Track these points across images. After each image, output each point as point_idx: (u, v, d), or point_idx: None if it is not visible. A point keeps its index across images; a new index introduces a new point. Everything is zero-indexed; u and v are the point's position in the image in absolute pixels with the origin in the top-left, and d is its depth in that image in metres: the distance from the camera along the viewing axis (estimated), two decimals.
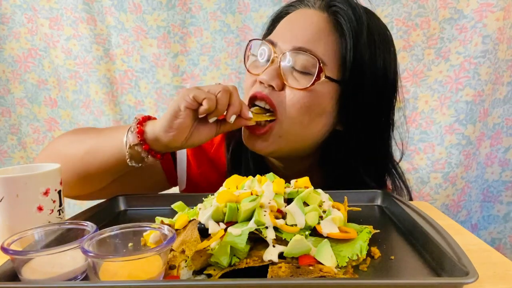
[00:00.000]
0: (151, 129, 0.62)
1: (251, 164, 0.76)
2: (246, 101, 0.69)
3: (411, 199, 0.81)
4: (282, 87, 0.66)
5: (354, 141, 0.70)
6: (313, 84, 0.63)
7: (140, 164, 0.66)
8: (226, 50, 1.21)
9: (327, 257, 0.44)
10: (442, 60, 1.12)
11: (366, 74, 0.66)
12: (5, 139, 1.29)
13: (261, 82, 0.66)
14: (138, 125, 0.63)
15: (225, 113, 0.63)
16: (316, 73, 0.63)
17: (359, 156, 0.71)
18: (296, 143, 0.69)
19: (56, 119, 1.29)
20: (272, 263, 0.43)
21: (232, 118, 0.62)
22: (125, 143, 0.63)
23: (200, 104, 0.59)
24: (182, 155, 0.81)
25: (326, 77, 0.64)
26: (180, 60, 1.21)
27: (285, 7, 0.73)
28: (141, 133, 0.62)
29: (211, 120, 0.62)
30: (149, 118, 0.65)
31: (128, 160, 0.64)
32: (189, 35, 1.20)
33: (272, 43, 0.67)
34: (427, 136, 1.16)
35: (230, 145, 0.78)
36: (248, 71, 0.70)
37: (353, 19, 0.66)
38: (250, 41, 0.72)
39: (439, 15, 1.10)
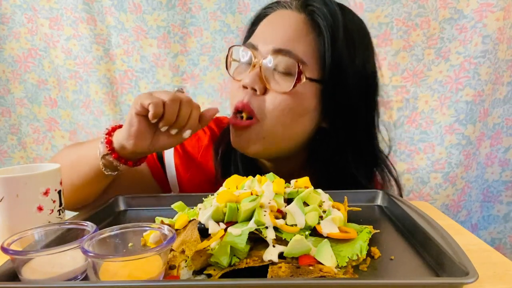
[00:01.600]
0: (116, 138, 0.65)
1: (240, 166, 0.76)
2: (232, 108, 0.69)
3: (400, 194, 0.81)
4: (265, 91, 0.66)
5: (340, 137, 0.70)
6: (294, 86, 0.64)
7: (116, 172, 0.68)
8: (226, 50, 1.20)
9: (327, 257, 0.44)
10: (442, 60, 1.12)
11: (346, 71, 0.66)
12: (5, 139, 1.29)
13: (244, 87, 0.67)
14: (107, 136, 0.65)
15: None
16: (296, 75, 0.64)
17: (346, 152, 0.71)
18: (281, 143, 0.69)
19: (56, 119, 1.29)
20: (272, 263, 0.43)
21: (186, 134, 0.62)
22: (98, 153, 0.66)
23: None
24: (170, 161, 0.82)
25: (307, 78, 0.65)
26: (180, 60, 1.21)
27: (263, 9, 0.74)
28: (109, 143, 0.65)
29: (163, 129, 0.62)
30: (119, 127, 0.67)
31: (103, 169, 0.66)
32: (189, 35, 1.20)
33: (252, 46, 0.68)
34: (427, 136, 1.16)
35: (219, 148, 0.78)
36: (232, 78, 0.71)
37: (329, 17, 0.66)
38: (230, 47, 0.73)
39: (439, 15, 1.10)
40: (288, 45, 0.65)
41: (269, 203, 0.49)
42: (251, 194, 0.51)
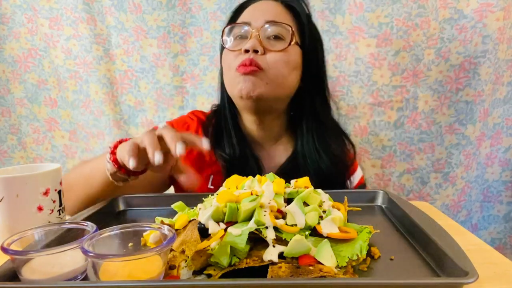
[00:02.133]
0: (119, 156, 0.68)
1: (233, 133, 0.89)
2: (233, 75, 0.81)
3: (354, 151, 0.95)
4: (264, 52, 0.80)
5: (311, 96, 0.89)
6: (289, 44, 0.81)
7: (127, 181, 0.72)
8: None
9: (327, 257, 0.44)
10: (442, 60, 1.12)
11: (316, 42, 0.89)
12: (5, 139, 1.29)
13: (246, 51, 0.80)
14: (111, 154, 0.68)
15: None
16: (290, 38, 0.81)
17: (317, 114, 0.89)
18: (279, 90, 0.83)
19: (56, 119, 1.29)
20: (272, 263, 0.43)
21: (157, 158, 0.59)
22: (107, 171, 0.70)
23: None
24: None
25: (296, 42, 0.83)
26: (180, 60, 1.21)
27: (242, 3, 0.89)
28: (115, 160, 0.68)
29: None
30: (120, 142, 0.70)
31: (115, 183, 0.71)
32: (189, 35, 1.20)
33: (245, 23, 0.83)
34: (427, 136, 1.16)
35: (209, 126, 0.91)
36: (228, 50, 0.84)
37: (301, 4, 0.88)
38: (224, 28, 0.85)
39: (439, 15, 1.10)
40: (278, 18, 0.82)
41: (269, 203, 0.49)
42: (251, 194, 0.51)
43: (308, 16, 0.88)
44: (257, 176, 0.59)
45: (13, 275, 0.44)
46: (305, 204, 0.52)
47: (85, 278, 0.46)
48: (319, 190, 0.58)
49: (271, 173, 0.61)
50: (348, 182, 0.94)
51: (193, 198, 0.67)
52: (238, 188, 0.56)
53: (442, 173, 1.17)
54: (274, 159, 0.91)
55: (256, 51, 0.80)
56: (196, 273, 0.44)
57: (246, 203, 0.48)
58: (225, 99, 0.91)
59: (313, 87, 0.89)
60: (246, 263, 0.43)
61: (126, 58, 1.22)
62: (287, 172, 0.84)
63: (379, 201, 0.72)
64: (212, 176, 0.89)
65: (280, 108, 0.89)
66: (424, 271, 0.45)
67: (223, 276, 0.42)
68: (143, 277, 0.41)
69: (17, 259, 0.43)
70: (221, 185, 0.78)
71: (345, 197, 0.61)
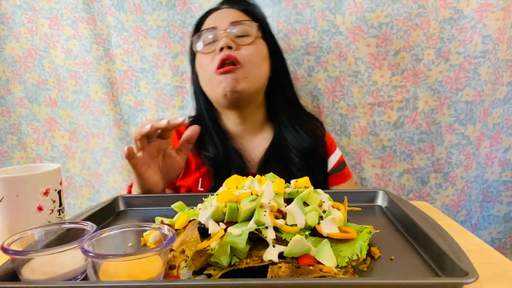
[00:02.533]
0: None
1: (213, 131, 0.95)
2: (212, 77, 0.89)
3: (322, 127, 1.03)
4: (238, 47, 0.88)
5: (280, 85, 0.98)
6: (256, 37, 0.90)
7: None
8: None
9: (327, 257, 0.44)
10: (442, 60, 1.12)
11: (273, 36, 0.99)
12: (5, 139, 1.29)
13: (221, 49, 0.86)
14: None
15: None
16: (255, 33, 0.90)
17: (288, 100, 0.99)
18: (257, 82, 0.91)
19: (56, 119, 1.29)
20: (272, 263, 0.43)
21: (163, 122, 0.76)
22: None
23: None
24: None
25: (261, 36, 0.93)
26: (180, 60, 1.21)
27: (204, 14, 0.98)
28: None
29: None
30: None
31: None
32: (189, 35, 1.20)
33: (212, 27, 0.91)
34: (427, 136, 1.16)
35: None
36: (203, 53, 0.91)
37: (255, 6, 0.98)
38: (192, 37, 0.94)
39: (439, 15, 1.10)
40: (242, 18, 0.91)
41: (269, 203, 0.49)
42: (251, 194, 0.51)
43: (260, 11, 0.98)
44: (257, 176, 0.59)
45: (13, 275, 0.44)
46: (305, 204, 0.52)
47: (85, 278, 0.46)
48: (319, 190, 0.58)
49: (271, 173, 0.61)
50: (329, 161, 1.00)
51: (193, 198, 0.67)
52: (238, 188, 0.56)
53: (442, 173, 1.17)
54: (259, 148, 0.97)
55: (230, 47, 0.86)
56: (196, 273, 0.44)
57: (246, 203, 0.48)
58: (202, 104, 0.99)
59: (281, 75, 0.98)
60: (246, 263, 0.43)
61: (126, 58, 1.22)
62: (272, 158, 0.93)
63: (379, 201, 0.72)
64: (200, 179, 0.94)
65: (258, 100, 0.96)
66: (424, 271, 0.45)
67: (223, 276, 0.43)
68: (143, 277, 0.41)
69: (17, 259, 0.43)
70: (210, 186, 0.91)
71: (345, 197, 0.61)
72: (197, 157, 0.95)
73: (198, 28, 0.97)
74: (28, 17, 1.22)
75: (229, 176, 0.84)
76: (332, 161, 1.01)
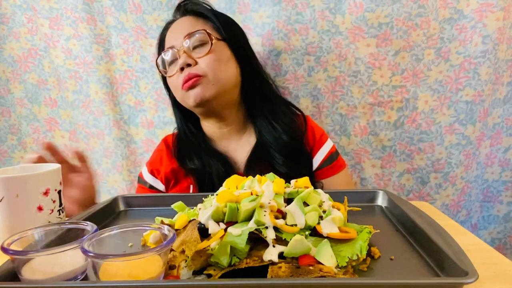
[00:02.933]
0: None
1: (192, 150, 0.96)
2: (182, 94, 0.91)
3: (303, 116, 1.03)
4: (196, 62, 0.89)
5: (251, 80, 0.97)
6: (211, 45, 0.89)
7: None
8: None
9: (327, 257, 0.44)
10: (442, 60, 1.12)
11: (233, 31, 0.96)
12: (5, 139, 1.29)
13: (181, 69, 0.88)
14: None
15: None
16: (209, 39, 0.89)
17: (263, 96, 0.98)
18: (225, 85, 0.90)
19: (56, 119, 1.29)
20: (272, 263, 0.43)
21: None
22: None
23: None
24: (156, 182, 0.99)
25: (216, 38, 0.91)
26: None
27: (163, 31, 0.99)
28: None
29: None
30: None
31: None
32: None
33: (170, 47, 0.92)
34: (427, 136, 1.16)
35: (177, 147, 1.00)
36: (170, 76, 0.93)
37: (203, 5, 0.97)
38: (156, 61, 0.96)
39: (439, 15, 1.10)
40: (193, 29, 0.91)
41: (269, 203, 0.49)
42: (251, 194, 0.51)
43: (214, 12, 0.97)
44: (257, 176, 0.59)
45: (13, 275, 0.44)
46: (305, 204, 0.52)
47: (85, 278, 0.46)
48: (319, 190, 0.58)
49: (271, 173, 0.61)
50: (319, 154, 0.99)
51: (193, 198, 0.67)
52: (238, 188, 0.56)
53: (442, 173, 1.17)
54: (246, 148, 0.97)
55: (189, 65, 0.88)
56: (196, 273, 0.44)
57: (246, 203, 0.48)
58: (181, 119, 1.02)
59: (250, 70, 0.97)
60: (246, 263, 0.43)
61: (126, 58, 1.22)
62: (256, 157, 0.94)
63: (379, 201, 0.72)
64: (192, 186, 0.95)
65: (232, 100, 0.96)
66: (424, 271, 0.45)
67: (223, 276, 0.43)
68: (143, 277, 0.41)
69: (17, 259, 0.43)
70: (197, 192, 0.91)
71: (345, 197, 0.61)
72: (181, 167, 0.97)
73: (159, 46, 0.99)
74: (28, 17, 1.22)
75: (212, 181, 0.86)
76: (322, 153, 0.99)
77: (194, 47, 0.90)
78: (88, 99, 1.23)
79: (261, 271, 0.42)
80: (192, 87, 0.88)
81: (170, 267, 0.44)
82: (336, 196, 0.60)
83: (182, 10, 0.98)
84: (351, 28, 1.12)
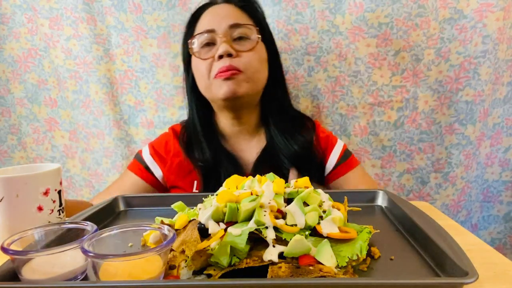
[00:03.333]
0: None
1: (203, 141, 0.94)
2: (212, 81, 0.87)
3: (313, 123, 1.02)
4: (237, 54, 0.86)
5: (274, 87, 0.96)
6: (257, 43, 0.89)
7: None
8: None
9: (327, 257, 0.44)
10: (442, 60, 1.12)
11: (271, 36, 0.97)
12: (5, 139, 1.29)
13: (220, 57, 0.85)
14: None
15: None
16: (255, 36, 0.89)
17: (280, 105, 0.98)
18: (257, 86, 0.91)
19: (56, 119, 1.29)
20: (272, 263, 0.43)
21: None
22: None
23: None
24: (154, 166, 0.98)
25: (261, 39, 0.90)
26: (180, 60, 1.21)
27: (198, 10, 0.95)
28: None
29: None
30: None
31: None
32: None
33: (209, 30, 0.88)
34: (427, 136, 1.16)
35: (184, 136, 0.98)
36: (201, 58, 0.89)
37: (253, 5, 0.95)
38: (189, 40, 0.91)
39: (439, 15, 1.10)
40: (239, 20, 0.89)
41: (269, 203, 0.49)
42: (251, 194, 0.51)
43: (260, 12, 0.96)
44: (257, 176, 0.59)
45: (13, 275, 0.44)
46: (305, 204, 0.52)
47: (85, 278, 0.46)
48: (319, 190, 0.58)
49: (271, 173, 0.61)
50: (332, 155, 0.99)
51: (193, 198, 0.67)
52: (238, 188, 0.56)
53: (442, 173, 1.17)
54: (255, 150, 0.96)
55: (230, 55, 0.85)
56: (196, 273, 0.44)
57: (246, 203, 0.48)
58: (194, 105, 0.98)
59: (276, 77, 0.97)
60: (246, 263, 0.43)
61: (126, 58, 1.22)
62: (265, 161, 0.93)
63: (379, 201, 0.72)
64: (196, 182, 0.94)
65: (254, 101, 0.96)
66: (424, 271, 0.45)
67: (223, 276, 0.43)
68: (143, 277, 0.41)
69: (17, 259, 0.43)
70: (201, 190, 0.92)
71: (345, 197, 0.61)
72: (188, 160, 0.95)
73: (192, 24, 0.94)
74: (28, 17, 1.22)
75: (219, 179, 0.84)
76: (335, 154, 0.98)
77: (235, 39, 0.88)
78: (88, 99, 1.23)
79: (261, 271, 0.42)
80: (227, 78, 0.85)
81: (170, 267, 0.44)
82: (336, 196, 0.60)
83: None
84: (351, 28, 1.12)
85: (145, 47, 1.20)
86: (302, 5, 1.14)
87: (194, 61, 0.92)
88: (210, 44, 0.88)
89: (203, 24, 0.91)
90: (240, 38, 0.88)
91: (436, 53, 1.12)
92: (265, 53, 0.93)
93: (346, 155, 0.99)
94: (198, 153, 0.93)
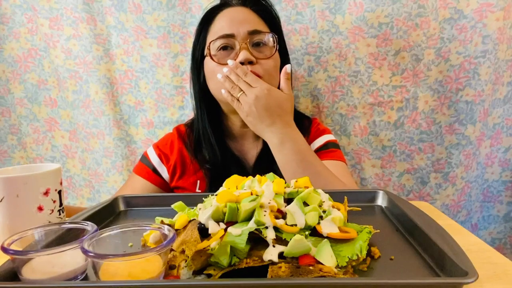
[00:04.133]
0: None
1: (213, 142, 0.94)
2: (220, 86, 0.86)
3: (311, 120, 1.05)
4: (256, 61, 0.87)
5: None
6: (275, 52, 0.91)
7: None
8: None
9: (327, 257, 0.44)
10: (442, 60, 1.12)
11: (285, 48, 1.00)
12: (5, 139, 1.29)
13: (241, 64, 0.85)
14: None
15: None
16: (274, 45, 0.91)
17: None
18: None
19: (56, 119, 1.29)
20: (272, 263, 0.43)
21: None
22: None
23: None
24: (161, 167, 0.99)
25: (278, 47, 0.92)
26: (180, 60, 1.21)
27: (213, 10, 0.94)
28: None
29: None
30: None
31: None
32: (189, 35, 1.20)
33: (230, 35, 0.88)
34: (427, 136, 1.16)
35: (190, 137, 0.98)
36: (219, 63, 0.88)
37: (268, 10, 0.96)
38: (209, 42, 0.90)
39: (439, 15, 1.10)
40: (257, 27, 0.90)
41: (269, 203, 0.49)
42: (251, 194, 0.51)
43: (279, 20, 0.98)
44: (257, 176, 0.59)
45: (13, 275, 0.44)
46: (305, 204, 0.52)
47: (85, 278, 0.46)
48: (319, 190, 0.58)
49: (271, 174, 0.61)
50: (316, 142, 0.99)
51: (193, 198, 0.67)
52: (238, 188, 0.56)
53: (442, 173, 1.17)
54: (253, 153, 0.97)
55: (250, 62, 0.86)
56: (196, 273, 0.44)
57: (246, 203, 0.48)
58: (204, 106, 0.96)
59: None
60: (246, 263, 0.43)
61: (126, 58, 1.22)
62: (265, 160, 0.92)
63: (379, 201, 0.72)
64: (198, 182, 0.94)
65: None
66: (424, 271, 0.45)
67: (223, 276, 0.43)
68: (143, 277, 0.41)
69: (17, 259, 0.43)
70: (206, 189, 0.93)
71: (345, 197, 0.61)
72: (194, 161, 0.95)
73: (205, 25, 0.93)
74: (28, 17, 1.22)
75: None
76: (319, 142, 0.99)
77: (255, 45, 0.89)
78: (88, 99, 1.23)
79: (261, 271, 0.42)
80: None
81: (170, 267, 0.44)
82: (336, 196, 0.60)
83: (241, 2, 0.94)
84: (351, 28, 1.12)
85: (145, 47, 1.20)
86: (302, 5, 1.14)
87: (210, 63, 0.91)
88: (227, 48, 0.89)
89: (220, 27, 0.90)
90: (258, 44, 0.89)
91: (436, 53, 1.12)
92: (279, 59, 0.94)
93: (328, 145, 0.99)
94: (208, 154, 0.93)
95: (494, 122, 1.16)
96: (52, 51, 1.23)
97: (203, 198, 0.62)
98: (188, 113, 1.22)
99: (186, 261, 0.44)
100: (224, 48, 0.89)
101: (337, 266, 0.44)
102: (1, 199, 0.58)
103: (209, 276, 0.43)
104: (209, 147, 0.94)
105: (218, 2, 0.97)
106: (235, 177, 0.59)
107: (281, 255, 0.44)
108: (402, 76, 1.14)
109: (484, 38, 1.08)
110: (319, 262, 0.44)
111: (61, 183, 0.64)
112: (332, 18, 1.13)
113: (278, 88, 0.91)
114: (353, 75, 1.16)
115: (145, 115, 1.24)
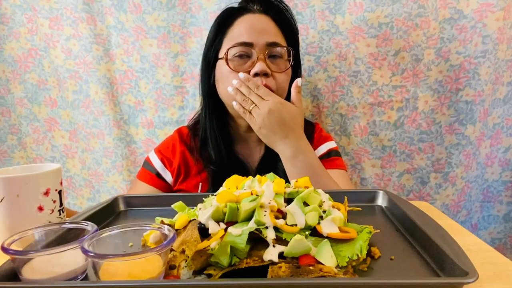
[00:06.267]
0: None
1: (220, 143, 0.95)
2: (231, 96, 0.87)
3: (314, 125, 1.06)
4: (271, 73, 0.88)
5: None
6: (290, 65, 0.92)
7: None
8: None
9: (327, 257, 0.44)
10: (442, 60, 1.12)
11: (298, 63, 1.01)
12: (5, 139, 1.29)
13: (256, 74, 0.86)
14: None
15: None
16: (289, 59, 0.92)
17: None
18: None
19: (56, 119, 1.29)
20: (272, 263, 0.43)
21: None
22: None
23: None
24: (165, 172, 0.98)
25: (293, 63, 0.93)
26: (180, 60, 1.21)
27: (231, 13, 0.93)
28: None
29: None
30: None
31: None
32: (189, 35, 1.20)
33: (247, 44, 0.88)
34: (427, 136, 1.16)
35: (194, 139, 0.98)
36: (233, 70, 0.88)
37: (287, 19, 0.96)
38: (228, 48, 0.89)
39: (439, 15, 1.10)
40: (276, 39, 0.90)
41: (269, 203, 0.49)
42: (251, 194, 0.51)
43: (297, 31, 0.97)
44: (257, 176, 0.59)
45: (13, 275, 0.44)
46: (305, 204, 0.52)
47: (85, 278, 0.46)
48: (319, 190, 0.58)
49: (271, 173, 0.61)
50: (318, 150, 1.00)
51: (193, 198, 0.67)
52: (238, 188, 0.56)
53: (442, 173, 1.17)
54: (256, 156, 0.98)
55: (265, 74, 0.86)
56: (196, 273, 0.44)
57: (246, 203, 0.48)
58: (212, 107, 0.96)
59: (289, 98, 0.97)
60: (246, 263, 0.43)
61: (126, 58, 1.22)
62: (268, 165, 0.93)
63: (379, 201, 0.72)
64: (201, 184, 0.94)
65: None
66: (424, 271, 0.45)
67: (223, 276, 0.43)
68: (143, 277, 0.41)
69: (17, 259, 0.43)
70: (209, 191, 0.90)
71: (345, 197, 0.61)
72: (199, 162, 0.95)
73: (222, 28, 0.93)
74: (28, 17, 1.22)
75: None
76: (322, 149, 1.00)
77: (271, 56, 0.89)
78: (88, 99, 1.23)
79: (261, 271, 0.42)
80: None
81: (170, 267, 0.44)
82: (336, 196, 0.60)
83: (265, 7, 0.94)
84: (351, 28, 1.12)
85: (145, 47, 1.20)
86: (302, 5, 1.14)
87: (223, 67, 0.90)
88: (244, 55, 0.89)
89: (239, 33, 0.89)
90: (274, 56, 0.90)
91: (436, 53, 1.12)
92: (291, 72, 0.94)
93: (331, 154, 1.00)
94: (214, 154, 0.93)
95: (494, 122, 1.16)
96: (52, 51, 1.23)
97: (203, 198, 0.62)
98: (188, 113, 1.22)
99: (186, 261, 0.44)
100: (240, 56, 0.89)
101: (337, 266, 0.44)
102: (1, 199, 0.58)
103: (209, 276, 0.43)
104: (216, 147, 0.94)
105: (236, 5, 0.97)
106: (235, 177, 0.59)
107: (281, 255, 0.44)
108: (402, 76, 1.14)
109: (484, 38, 1.08)
110: (319, 262, 0.44)
111: (61, 183, 0.64)
112: (332, 18, 1.13)
113: (286, 98, 0.90)
114: (353, 75, 1.16)
115: (145, 115, 1.24)
